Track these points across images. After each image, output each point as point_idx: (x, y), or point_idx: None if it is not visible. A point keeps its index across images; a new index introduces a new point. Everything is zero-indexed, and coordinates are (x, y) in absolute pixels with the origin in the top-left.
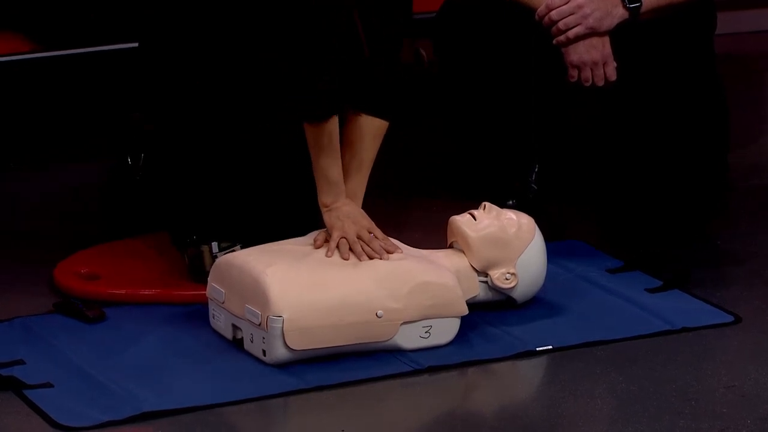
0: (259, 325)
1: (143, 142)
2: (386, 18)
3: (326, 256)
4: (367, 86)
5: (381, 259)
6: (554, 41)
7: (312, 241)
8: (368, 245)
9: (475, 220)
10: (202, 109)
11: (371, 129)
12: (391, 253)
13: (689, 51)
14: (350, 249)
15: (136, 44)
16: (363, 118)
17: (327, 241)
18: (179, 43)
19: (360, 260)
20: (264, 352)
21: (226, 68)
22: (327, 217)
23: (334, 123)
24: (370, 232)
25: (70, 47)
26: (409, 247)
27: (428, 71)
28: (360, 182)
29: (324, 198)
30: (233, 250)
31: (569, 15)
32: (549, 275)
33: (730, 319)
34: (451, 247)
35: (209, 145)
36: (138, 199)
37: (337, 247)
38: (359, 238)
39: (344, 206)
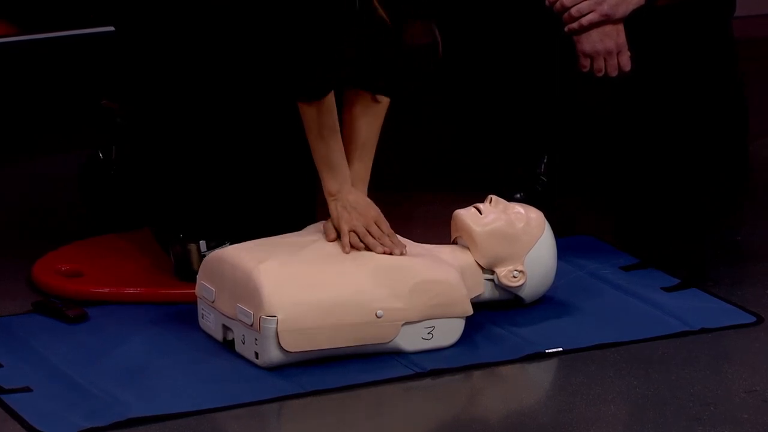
0: (252, 325)
1: (114, 134)
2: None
3: (344, 252)
4: (367, 63)
5: (392, 254)
6: (566, 29)
7: (309, 235)
8: (379, 240)
9: (480, 214)
10: (186, 97)
11: (372, 108)
12: (400, 250)
13: (706, 36)
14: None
15: (109, 28)
16: (363, 97)
17: (335, 235)
18: (159, 23)
19: (375, 251)
20: (257, 354)
21: (213, 47)
22: (332, 207)
23: (331, 101)
24: (377, 225)
25: (37, 31)
26: (411, 242)
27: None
28: (364, 166)
29: (329, 185)
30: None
31: (582, 1)
32: (559, 273)
33: (751, 319)
34: (455, 242)
35: (195, 136)
36: (115, 195)
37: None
38: (369, 232)
39: (350, 195)
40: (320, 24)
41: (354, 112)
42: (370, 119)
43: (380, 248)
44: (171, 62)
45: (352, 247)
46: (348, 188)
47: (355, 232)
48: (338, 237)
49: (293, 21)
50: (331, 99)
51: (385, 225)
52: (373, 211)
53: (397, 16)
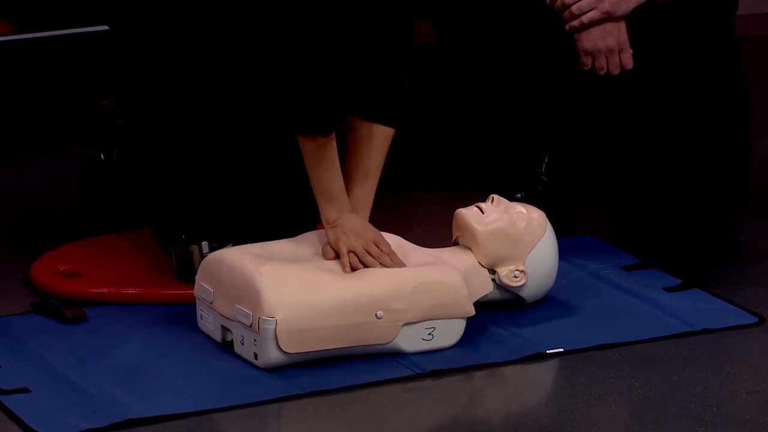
0: (251, 326)
1: (116, 135)
2: (389, 27)
3: (344, 272)
4: (373, 93)
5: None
6: (566, 27)
7: (306, 244)
8: (378, 260)
9: (482, 213)
10: (188, 97)
11: (377, 137)
12: (400, 267)
13: (708, 35)
14: (360, 262)
15: (108, 27)
16: (368, 126)
17: (335, 255)
18: (163, 24)
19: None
20: (256, 355)
21: (216, 49)
22: (331, 234)
23: (333, 134)
24: (376, 245)
25: (35, 30)
26: (412, 245)
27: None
28: (366, 193)
29: (327, 214)
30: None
31: None
32: (560, 273)
33: (753, 319)
34: (456, 242)
35: (197, 136)
36: (115, 195)
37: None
38: (368, 252)
39: (348, 221)
40: (323, 56)
41: (358, 140)
42: (375, 149)
43: (379, 267)
44: (174, 63)
45: (352, 268)
46: (347, 216)
47: (354, 252)
48: (337, 257)
49: (297, 52)
50: (332, 133)
51: (385, 245)
52: (372, 232)
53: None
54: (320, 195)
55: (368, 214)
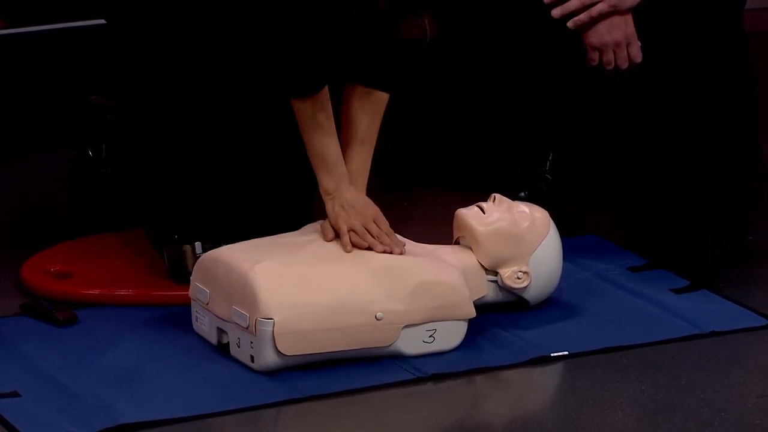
0: (247, 328)
1: (105, 132)
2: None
3: (345, 251)
4: (365, 57)
5: (392, 253)
6: (572, 23)
7: (306, 235)
8: (378, 239)
9: (484, 213)
10: (181, 94)
11: (371, 103)
12: (400, 249)
13: (717, 29)
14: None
15: (99, 21)
16: (362, 92)
17: (335, 234)
18: (155, 20)
19: (375, 250)
20: (252, 358)
21: (208, 44)
22: (329, 206)
23: (325, 96)
24: (376, 223)
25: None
26: (411, 242)
27: (428, 47)
28: (363, 163)
29: (325, 183)
30: None
31: None
32: (565, 274)
33: (763, 321)
34: (457, 243)
35: (190, 134)
36: (106, 194)
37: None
38: (368, 231)
39: (347, 193)
40: (314, 18)
41: (352, 108)
42: (369, 115)
43: (380, 247)
44: (166, 59)
45: (353, 245)
46: (345, 186)
47: (354, 231)
48: (336, 237)
49: (287, 15)
50: (325, 95)
51: (384, 223)
52: (372, 209)
53: (395, 8)
54: (317, 163)
55: (365, 183)
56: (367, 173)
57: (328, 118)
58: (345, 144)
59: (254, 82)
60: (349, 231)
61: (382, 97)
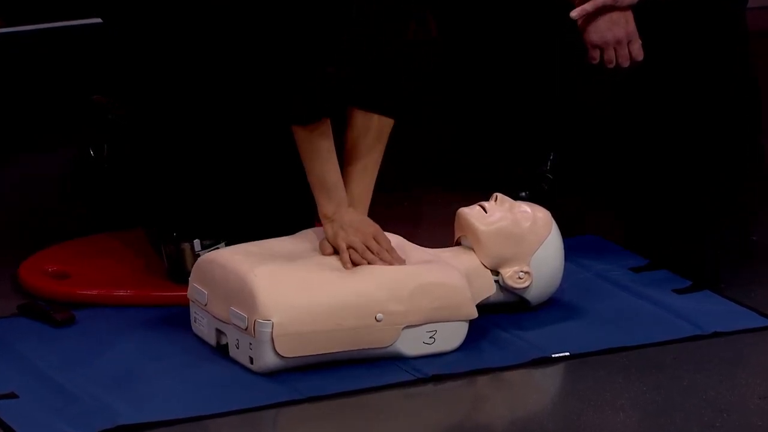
0: (246, 329)
1: (106, 131)
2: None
3: (345, 268)
4: (370, 82)
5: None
6: (574, 12)
7: (303, 241)
8: (378, 256)
9: (485, 212)
10: (182, 93)
11: (375, 128)
12: (400, 264)
13: (718, 27)
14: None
15: (98, 20)
16: (366, 117)
17: (333, 250)
18: (157, 20)
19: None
20: (251, 359)
21: (210, 46)
22: (328, 229)
23: (326, 124)
24: (376, 241)
25: (23, 23)
26: (412, 245)
27: (433, 45)
28: (365, 188)
29: (324, 208)
30: (217, 248)
31: None
32: (566, 274)
33: (765, 322)
34: (458, 242)
35: (190, 133)
36: (106, 193)
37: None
38: (368, 248)
39: (346, 215)
40: (313, 18)
41: (355, 132)
42: (372, 141)
43: (380, 263)
44: (168, 59)
45: (353, 263)
46: (344, 210)
47: (353, 248)
48: (335, 253)
49: (286, 12)
50: (326, 122)
51: (385, 240)
52: (372, 227)
53: (397, 19)
54: (317, 188)
55: (367, 209)
56: (369, 198)
57: (328, 144)
58: (346, 168)
59: (255, 84)
60: (348, 248)
61: (387, 123)
